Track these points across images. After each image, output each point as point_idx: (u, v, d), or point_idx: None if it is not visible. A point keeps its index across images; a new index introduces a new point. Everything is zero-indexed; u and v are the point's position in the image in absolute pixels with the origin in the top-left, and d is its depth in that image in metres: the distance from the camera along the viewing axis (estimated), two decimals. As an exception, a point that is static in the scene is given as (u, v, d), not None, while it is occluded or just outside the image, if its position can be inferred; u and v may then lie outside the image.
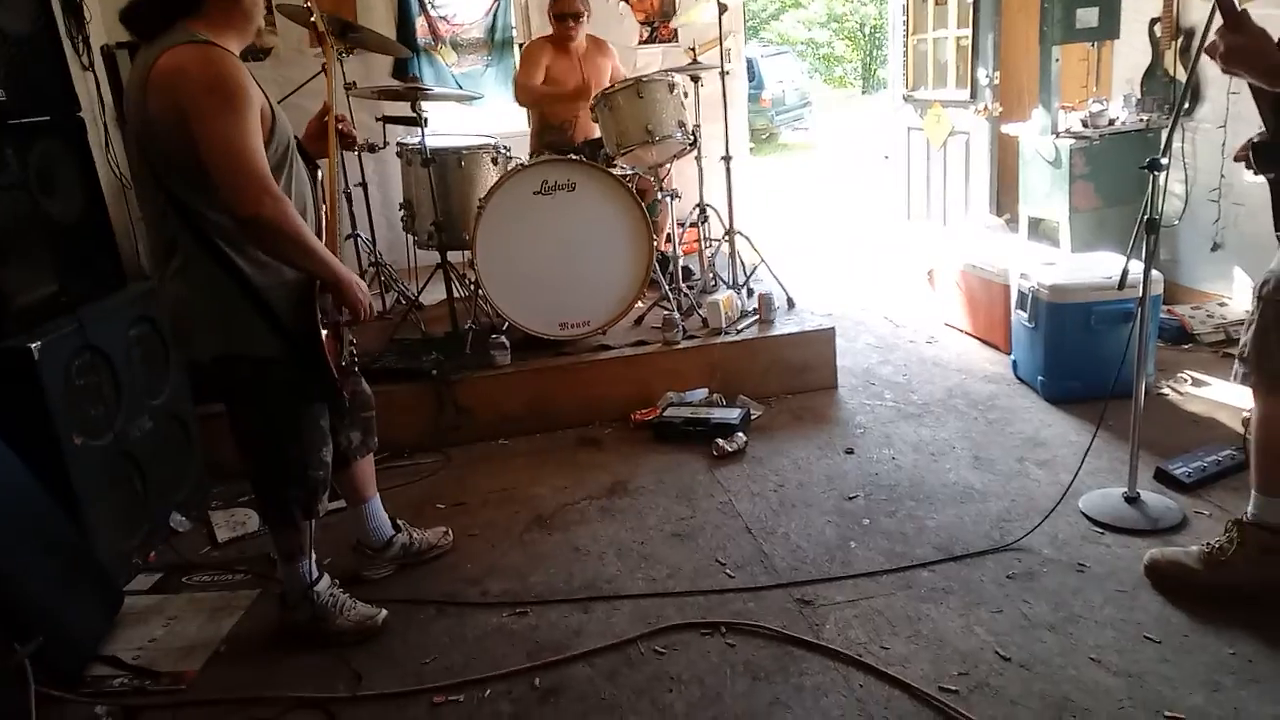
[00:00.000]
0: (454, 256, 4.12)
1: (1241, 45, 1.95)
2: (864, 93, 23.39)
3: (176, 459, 3.17)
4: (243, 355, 2.12)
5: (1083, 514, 2.73)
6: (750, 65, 14.49)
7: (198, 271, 2.07)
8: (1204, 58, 2.14)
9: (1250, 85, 2.15)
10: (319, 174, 2.33)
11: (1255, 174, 2.22)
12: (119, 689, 2.29)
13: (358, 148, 4.44)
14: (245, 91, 1.96)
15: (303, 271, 2.10)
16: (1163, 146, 2.49)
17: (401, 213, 4.36)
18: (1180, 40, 4.28)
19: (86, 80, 4.07)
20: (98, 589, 2.52)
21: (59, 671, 2.26)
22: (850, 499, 2.99)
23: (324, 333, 2.14)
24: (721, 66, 4.27)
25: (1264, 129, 2.17)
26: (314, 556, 2.41)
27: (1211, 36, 2.03)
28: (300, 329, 2.11)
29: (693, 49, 4.43)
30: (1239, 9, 1.99)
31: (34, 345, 2.47)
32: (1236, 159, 2.29)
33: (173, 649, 2.43)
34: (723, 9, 4.25)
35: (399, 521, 2.77)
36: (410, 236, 4.37)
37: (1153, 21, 4.37)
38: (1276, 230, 2.19)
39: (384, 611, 2.46)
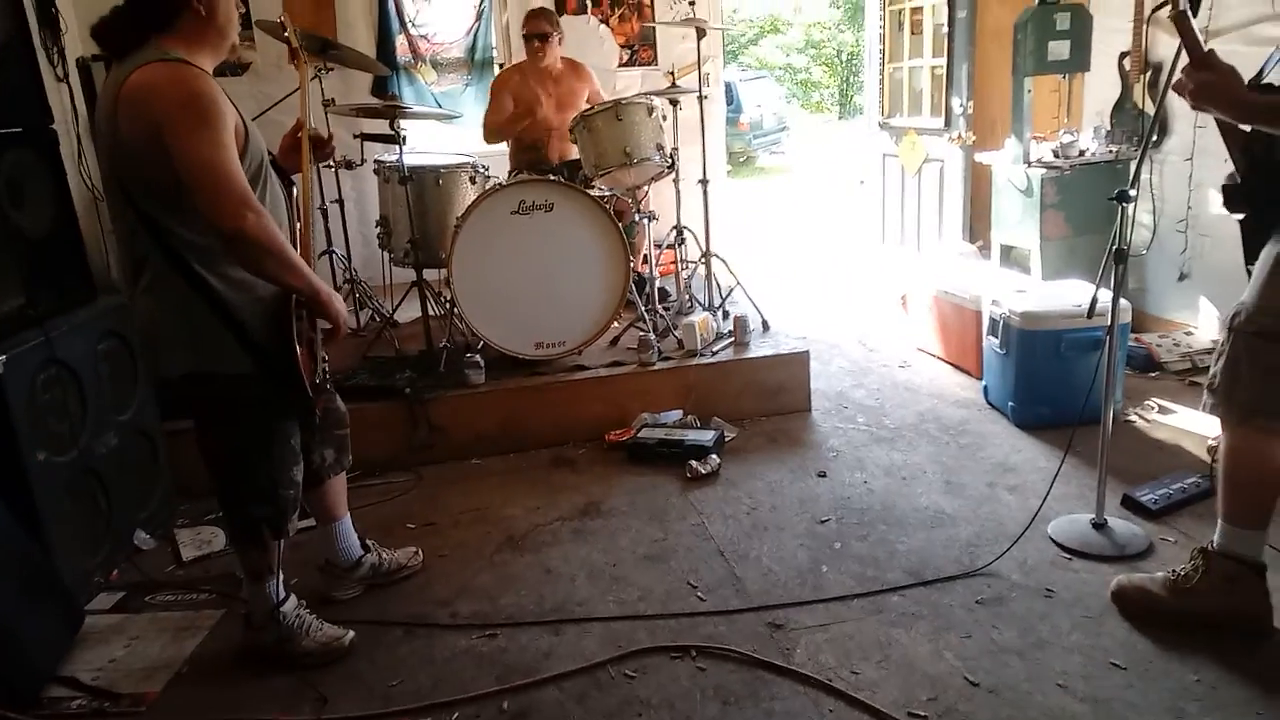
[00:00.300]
0: (430, 274, 4.10)
1: (1210, 82, 1.99)
2: (840, 118, 23.65)
3: (142, 476, 3.12)
4: (213, 372, 2.10)
5: (1051, 539, 2.76)
6: (729, 89, 14.64)
7: (168, 288, 2.05)
8: (1171, 92, 2.19)
9: (1219, 124, 2.21)
10: (294, 190, 2.32)
11: (1228, 211, 2.27)
12: (77, 711, 2.25)
13: (335, 164, 4.46)
14: (219, 108, 1.95)
15: (283, 286, 2.08)
16: (1131, 178, 2.54)
17: (378, 230, 4.34)
18: (1149, 74, 4.37)
19: (61, 92, 4.03)
20: (57, 608, 2.47)
21: (15, 692, 2.21)
22: (822, 522, 2.99)
23: (299, 349, 2.12)
24: (700, 90, 4.31)
25: (1234, 168, 2.22)
26: (281, 577, 2.37)
27: (1178, 75, 2.08)
28: (275, 345, 2.10)
29: (672, 73, 4.48)
30: (1205, 48, 2.04)
31: (-2, 359, 2.43)
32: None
33: (134, 670, 2.38)
34: (701, 34, 4.29)
35: (369, 541, 2.74)
36: (386, 254, 4.36)
37: (1122, 55, 4.47)
38: (1247, 264, 2.24)
39: (351, 633, 2.43)
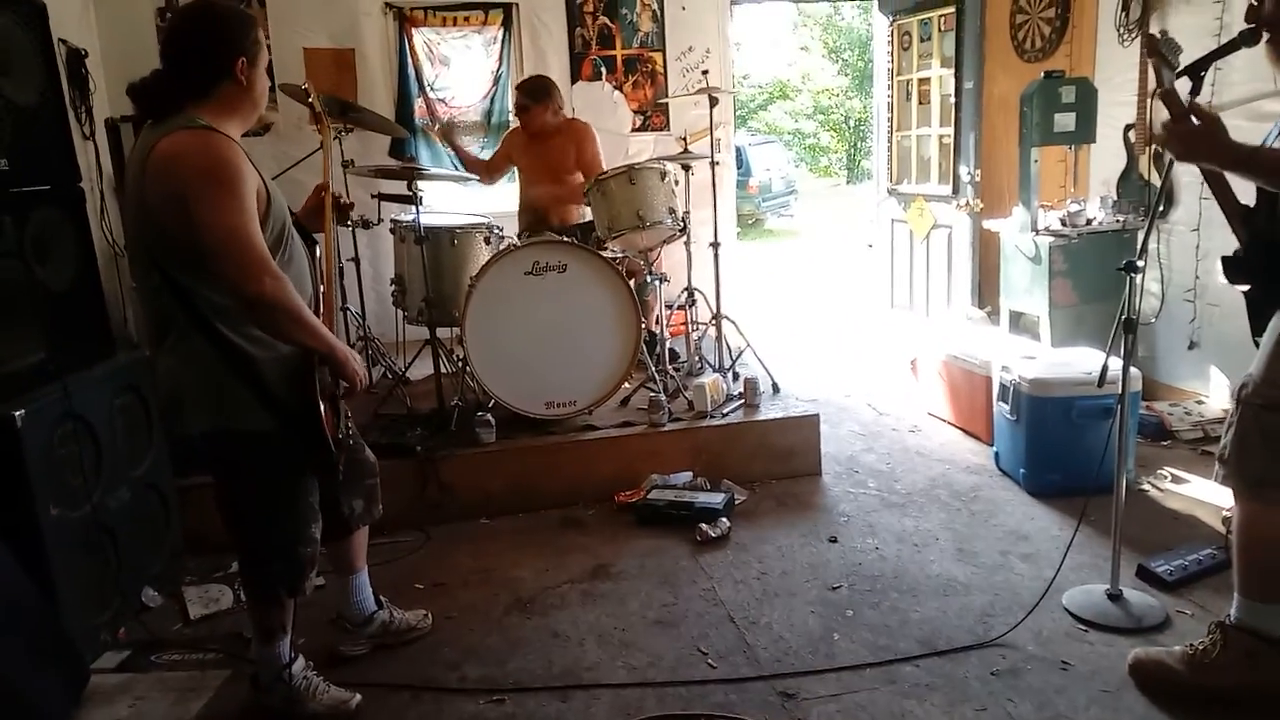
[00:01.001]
0: (443, 333, 4.14)
1: (1194, 131, 2.03)
2: (849, 182, 23.98)
3: (153, 532, 3.12)
4: (235, 429, 2.11)
5: (1066, 610, 2.73)
6: (738, 153, 14.82)
7: (192, 347, 2.08)
8: (1177, 163, 2.24)
9: (1216, 195, 2.25)
10: (316, 250, 2.36)
11: (1229, 283, 2.30)
12: (79, 772, 2.22)
13: (352, 223, 4.53)
14: (241, 175, 2.00)
15: (301, 347, 2.12)
16: (1139, 248, 2.57)
17: (393, 288, 4.39)
18: (1154, 146, 4.44)
19: (88, 150, 4.15)
20: (64, 667, 2.45)
21: (18, 752, 2.19)
22: (834, 589, 2.97)
23: (323, 406, 2.14)
24: (712, 156, 4.39)
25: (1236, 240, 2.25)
26: (289, 637, 2.36)
27: (1158, 128, 2.12)
28: (297, 402, 2.12)
29: (684, 138, 4.56)
30: (1187, 101, 2.09)
31: (17, 413, 2.45)
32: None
33: (138, 731, 2.36)
34: (713, 102, 4.38)
35: (382, 598, 2.73)
36: (400, 311, 4.40)
37: (1127, 127, 4.54)
38: (1254, 335, 2.25)
39: (358, 696, 2.40)
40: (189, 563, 3.27)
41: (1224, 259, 2.27)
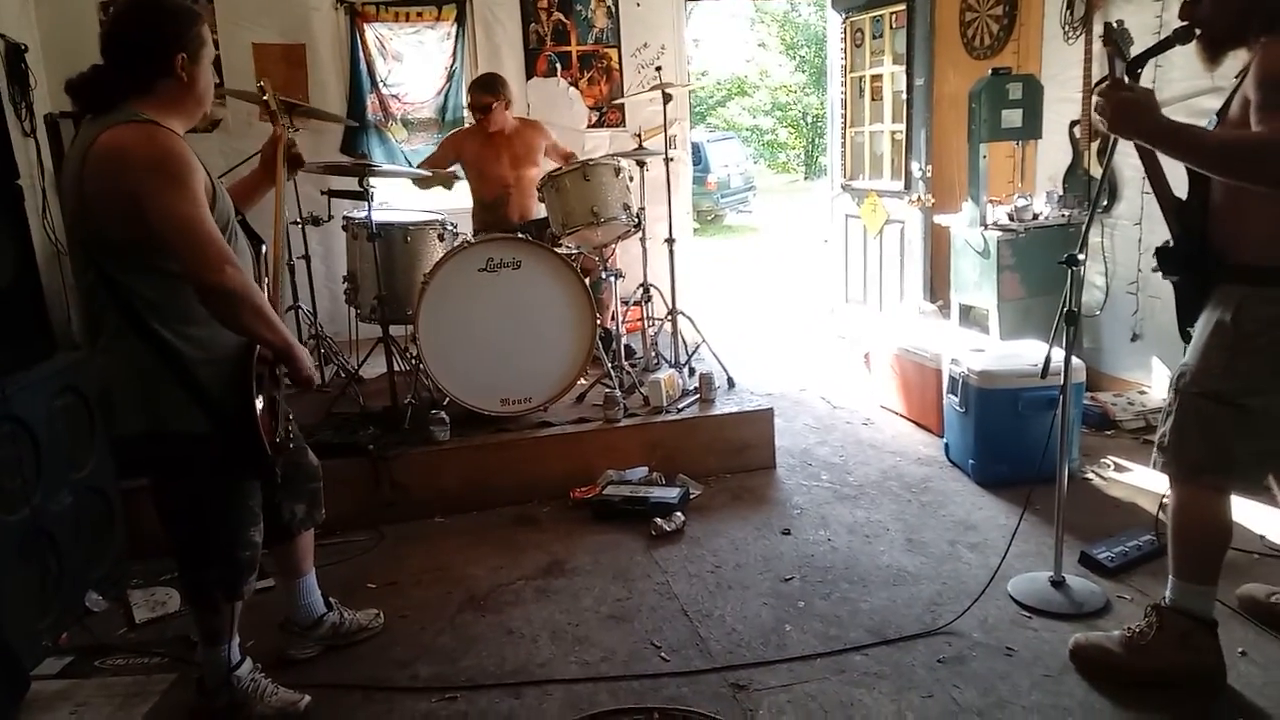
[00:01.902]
0: (396, 330, 4.11)
1: (1129, 100, 2.07)
2: (806, 178, 24.12)
3: (96, 535, 3.06)
4: (170, 431, 2.08)
5: (1011, 597, 2.78)
6: (696, 149, 14.91)
7: (126, 346, 2.04)
8: (1118, 157, 2.29)
9: (1154, 190, 2.30)
10: (263, 249, 2.33)
11: (1163, 276, 2.36)
12: (18, 781, 2.18)
13: (302, 220, 4.48)
14: (189, 166, 1.98)
15: (257, 339, 2.09)
16: (1080, 242, 2.62)
17: (345, 285, 4.35)
18: (1098, 142, 4.53)
19: (27, 147, 4.04)
20: (1, 673, 2.39)
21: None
22: (786, 581, 3.00)
23: (259, 409, 2.11)
24: (666, 152, 4.40)
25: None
26: (236, 640, 2.33)
27: (1124, 144, 2.17)
28: (233, 405, 2.09)
29: (639, 134, 4.57)
30: (1123, 75, 2.14)
31: (-48, 415, 2.40)
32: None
33: (80, 737, 2.32)
34: (667, 98, 4.39)
35: (331, 600, 2.71)
36: (353, 309, 4.36)
37: (1072, 124, 4.63)
38: (1182, 325, 2.32)
39: (307, 697, 2.38)
40: (134, 566, 3.22)
41: (1158, 250, 2.33)
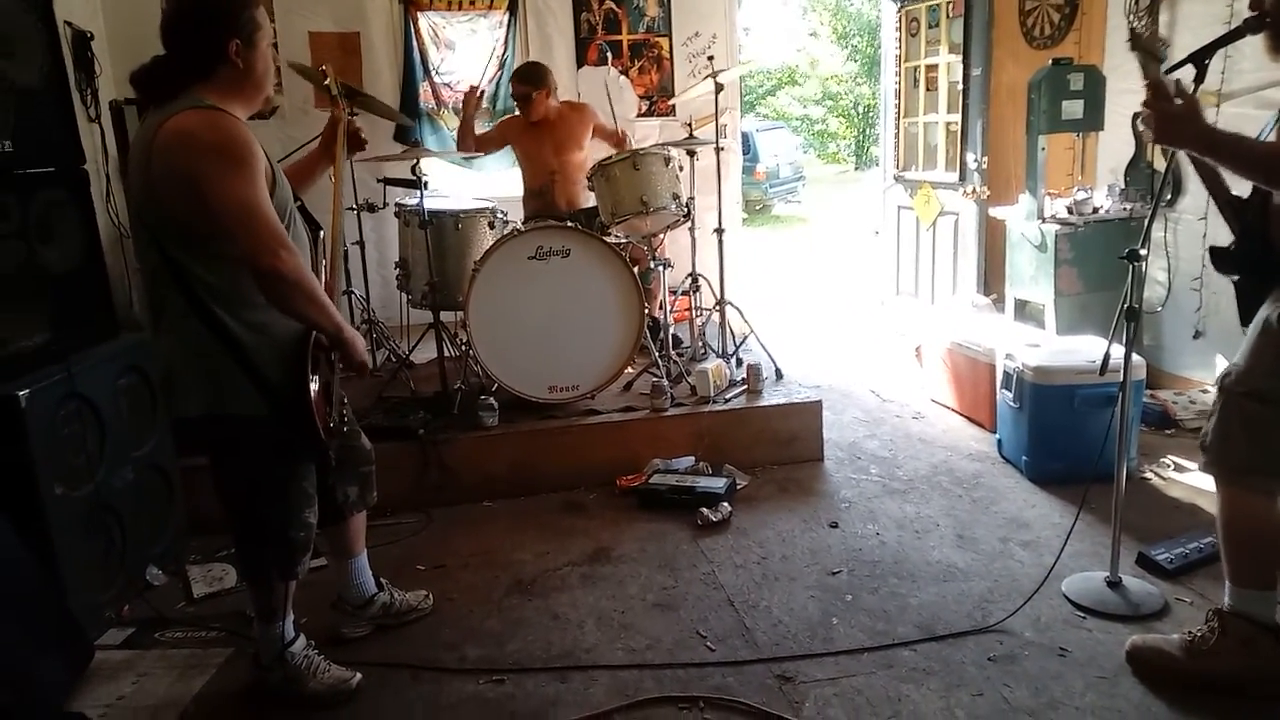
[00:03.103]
0: (446, 317, 4.15)
1: (1173, 112, 2.03)
2: (857, 169, 23.87)
3: (156, 511, 3.14)
4: (228, 414, 2.12)
5: (1065, 597, 2.73)
6: (746, 139, 14.82)
7: (187, 329, 2.09)
8: (1180, 155, 2.23)
9: (1210, 190, 2.25)
10: (320, 235, 2.37)
11: (1218, 273, 2.31)
12: (82, 748, 2.25)
13: (357, 207, 4.54)
14: (251, 150, 2.01)
15: (311, 324, 2.13)
16: (1142, 237, 2.56)
17: (397, 271, 4.41)
18: (1161, 133, 4.40)
19: (93, 132, 4.14)
20: (68, 643, 2.48)
21: (23, 727, 2.21)
22: (834, 574, 2.97)
23: (314, 393, 2.15)
24: (716, 142, 4.37)
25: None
26: (291, 617, 2.38)
27: (1139, 106, 2.12)
28: (289, 390, 2.12)
29: (689, 124, 4.55)
30: (1171, 80, 2.08)
31: (21, 393, 2.47)
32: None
33: (141, 707, 2.38)
34: (719, 87, 4.37)
35: (382, 581, 2.75)
36: (404, 295, 4.41)
37: (1135, 115, 4.50)
38: (1243, 324, 2.26)
39: (358, 675, 2.42)
40: (193, 542, 3.29)
41: (1212, 249, 2.29)
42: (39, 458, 2.52)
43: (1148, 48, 2.23)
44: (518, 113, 4.77)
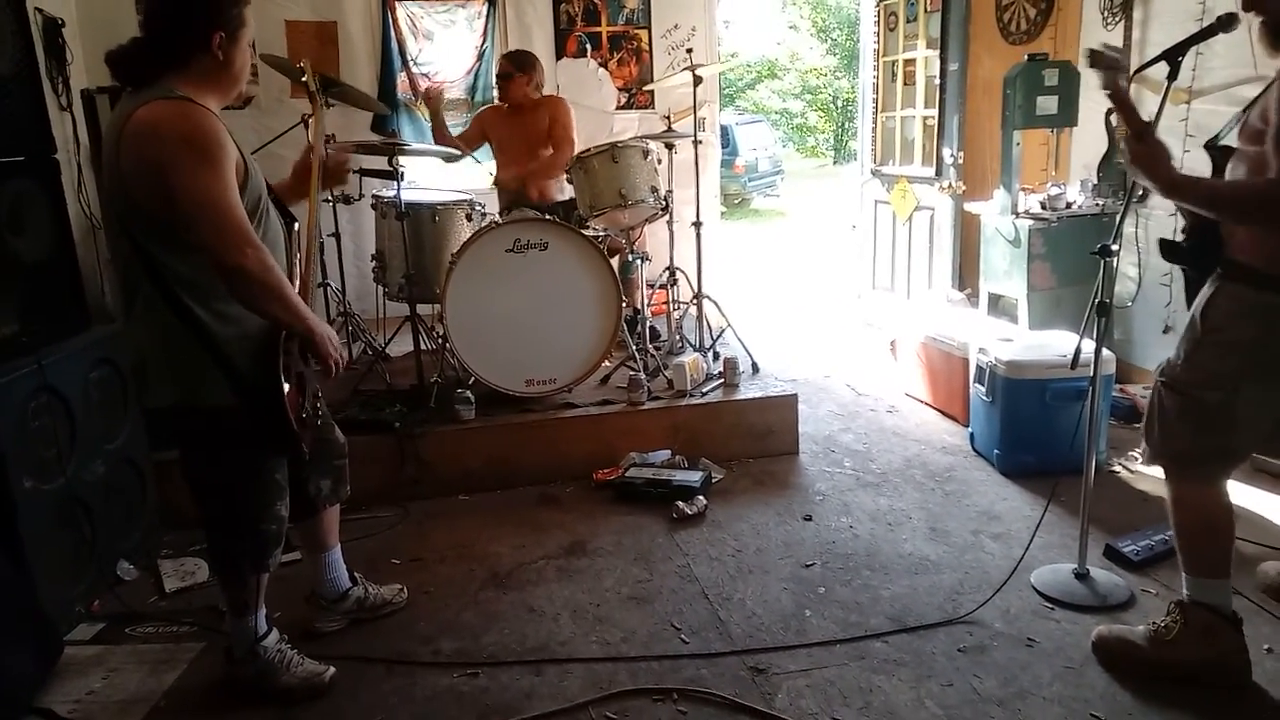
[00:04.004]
0: (423, 309, 4.13)
1: (1143, 154, 2.11)
2: (835, 163, 23.95)
3: (128, 505, 3.11)
4: (198, 406, 2.11)
5: (1034, 588, 2.77)
6: (725, 132, 14.81)
7: (158, 320, 2.07)
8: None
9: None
10: (294, 227, 2.35)
11: (1166, 261, 2.37)
12: (52, 743, 2.23)
13: (333, 198, 4.51)
14: (221, 144, 1.99)
15: (279, 323, 2.11)
16: (1114, 232, 2.59)
17: (373, 264, 4.38)
18: (1134, 131, 4.46)
19: (64, 121, 4.08)
20: (37, 638, 2.46)
21: (-9, 723, 2.20)
22: (807, 566, 3.00)
23: (286, 386, 2.14)
24: (695, 135, 4.38)
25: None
26: (263, 611, 2.37)
27: (1161, 132, 2.16)
28: (260, 381, 2.11)
29: (668, 116, 4.55)
30: (1146, 121, 2.14)
31: (-10, 385, 2.44)
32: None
33: (111, 702, 2.37)
34: (697, 80, 4.37)
35: (356, 575, 2.74)
36: (381, 288, 4.39)
37: (1109, 112, 4.54)
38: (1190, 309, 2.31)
39: (332, 669, 2.42)
40: (165, 536, 3.27)
41: (1161, 241, 2.36)
42: (8, 451, 2.49)
43: (1109, 65, 2.28)
44: (496, 100, 4.77)
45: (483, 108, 5.14)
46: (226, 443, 2.18)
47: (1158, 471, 3.54)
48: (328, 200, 4.57)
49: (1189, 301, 2.30)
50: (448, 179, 5.12)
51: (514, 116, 4.69)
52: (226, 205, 1.96)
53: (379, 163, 4.10)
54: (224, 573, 2.35)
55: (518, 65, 4.60)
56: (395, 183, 3.90)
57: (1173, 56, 2.24)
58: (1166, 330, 4.36)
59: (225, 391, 2.09)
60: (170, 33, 2.05)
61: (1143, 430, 2.33)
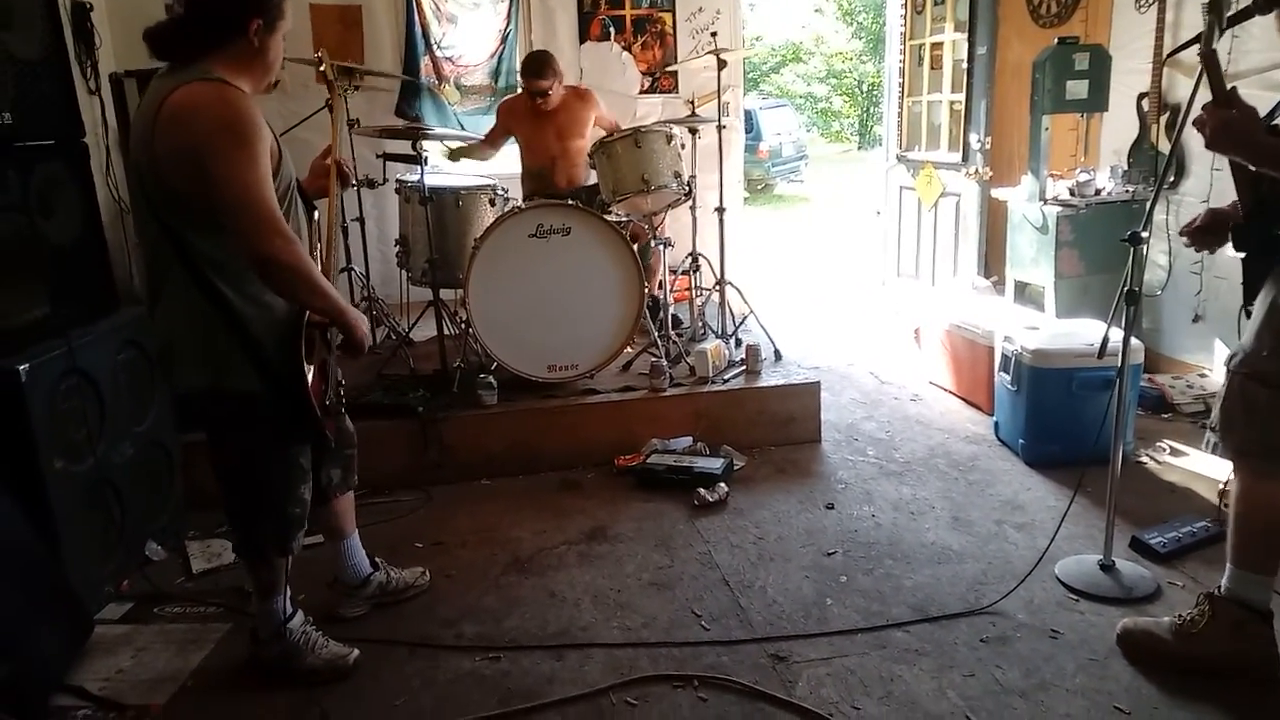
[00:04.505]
0: (446, 294, 4.14)
1: (1231, 120, 2.01)
2: (860, 148, 23.75)
3: (156, 487, 3.15)
4: (226, 389, 2.12)
5: (1058, 579, 2.75)
6: (749, 117, 14.74)
7: (186, 303, 2.09)
8: (1187, 132, 2.21)
9: (1231, 163, 2.22)
10: (315, 214, 2.36)
11: (1236, 251, 2.29)
12: (83, 720, 2.27)
13: (357, 183, 4.51)
14: (257, 130, 2.00)
15: (310, 308, 2.13)
16: (1144, 219, 2.55)
17: (397, 249, 4.40)
18: (1167, 115, 4.38)
19: (92, 105, 4.12)
20: (69, 617, 2.50)
21: (24, 701, 2.23)
22: (829, 555, 2.99)
23: (310, 372, 2.15)
24: (719, 120, 4.35)
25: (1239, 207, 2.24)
26: (288, 593, 2.39)
27: (1197, 111, 2.10)
28: (285, 368, 2.13)
29: (692, 101, 4.52)
30: (1229, 86, 2.06)
31: (21, 367, 2.47)
32: (1182, 233, 2.38)
33: (140, 681, 2.41)
34: (721, 64, 4.34)
35: (377, 560, 2.76)
36: (404, 272, 4.41)
37: (1140, 96, 4.48)
38: (1245, 304, 2.25)
39: (356, 651, 2.44)
40: (192, 518, 3.31)
41: (1233, 226, 2.25)
42: (39, 432, 2.52)
43: (1221, 9, 2.18)
44: (518, 92, 4.72)
45: (505, 99, 5.06)
46: (252, 427, 2.20)
47: (1186, 463, 3.54)
48: (351, 185, 4.58)
49: (1248, 290, 2.24)
50: (474, 164, 5.10)
51: (542, 113, 4.63)
52: (260, 193, 1.97)
53: (403, 147, 4.11)
54: (249, 556, 2.37)
55: (546, 75, 4.43)
56: (419, 167, 3.90)
57: (1210, 40, 2.19)
58: (1196, 319, 4.30)
59: (252, 376, 2.11)
60: (210, 13, 2.06)
61: (1216, 424, 2.28)
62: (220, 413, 2.20)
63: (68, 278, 2.84)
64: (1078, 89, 4.42)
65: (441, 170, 4.88)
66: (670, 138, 4.07)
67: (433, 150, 4.26)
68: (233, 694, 2.36)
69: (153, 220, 2.07)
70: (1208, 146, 2.09)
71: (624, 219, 4.18)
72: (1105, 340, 2.64)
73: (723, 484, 3.45)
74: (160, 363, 2.21)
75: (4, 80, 2.62)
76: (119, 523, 2.91)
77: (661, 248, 4.32)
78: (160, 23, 2.09)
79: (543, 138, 4.62)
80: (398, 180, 4.37)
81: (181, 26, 2.07)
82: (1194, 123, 2.10)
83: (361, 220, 4.80)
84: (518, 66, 5.73)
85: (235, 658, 2.49)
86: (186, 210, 2.03)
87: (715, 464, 3.55)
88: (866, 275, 7.32)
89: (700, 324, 4.56)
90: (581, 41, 5.79)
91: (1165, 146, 4.40)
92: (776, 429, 3.95)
